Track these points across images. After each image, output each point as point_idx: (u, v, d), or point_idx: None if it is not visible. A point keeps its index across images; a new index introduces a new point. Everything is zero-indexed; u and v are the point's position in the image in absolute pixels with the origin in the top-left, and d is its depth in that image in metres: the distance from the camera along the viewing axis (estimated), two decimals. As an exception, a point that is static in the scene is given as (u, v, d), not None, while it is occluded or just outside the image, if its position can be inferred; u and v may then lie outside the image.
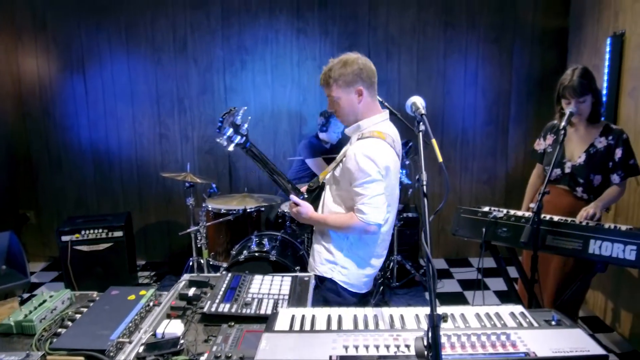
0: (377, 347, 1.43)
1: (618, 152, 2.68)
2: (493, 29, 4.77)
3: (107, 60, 4.79)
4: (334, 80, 2.12)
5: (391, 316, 1.66)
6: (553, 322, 1.61)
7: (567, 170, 2.80)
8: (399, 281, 4.37)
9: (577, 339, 1.47)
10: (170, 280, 4.57)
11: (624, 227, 2.45)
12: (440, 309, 1.54)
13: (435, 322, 1.24)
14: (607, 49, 3.37)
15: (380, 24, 4.75)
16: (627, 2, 3.31)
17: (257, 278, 2.15)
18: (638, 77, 2.97)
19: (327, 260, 2.29)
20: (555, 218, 2.61)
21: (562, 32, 4.70)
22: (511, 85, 4.87)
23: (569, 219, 2.58)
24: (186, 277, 2.17)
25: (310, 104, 4.90)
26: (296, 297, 1.99)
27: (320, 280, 2.31)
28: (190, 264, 4.06)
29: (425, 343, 1.23)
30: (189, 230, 3.93)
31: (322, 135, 4.35)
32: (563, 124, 2.59)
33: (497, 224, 2.67)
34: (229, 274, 2.18)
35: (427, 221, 1.40)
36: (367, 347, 1.43)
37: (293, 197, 2.31)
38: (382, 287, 4.12)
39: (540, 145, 3.01)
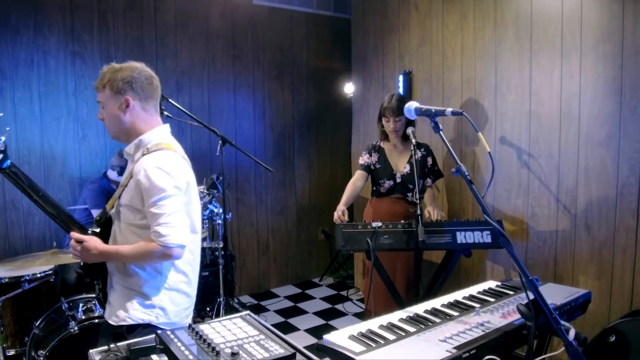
0: (462, 333, 1.38)
1: (429, 161, 3.35)
2: (275, 66, 5.05)
3: None
4: (103, 85, 1.93)
5: (428, 311, 1.60)
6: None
7: (398, 180, 3.31)
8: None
9: (559, 289, 1.77)
10: None
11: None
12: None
13: (535, 285, 1.32)
14: (400, 84, 4.03)
15: (169, 53, 4.46)
16: (412, 46, 4.05)
17: (206, 327, 1.71)
18: (428, 103, 3.65)
19: (141, 304, 1.94)
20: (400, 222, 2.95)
21: (339, 72, 5.33)
22: (294, 119, 5.22)
23: (435, 219, 2.96)
24: (97, 352, 1.56)
25: (92, 140, 4.16)
26: (270, 335, 1.68)
27: (131, 328, 1.94)
28: None
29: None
30: None
31: (113, 176, 3.74)
32: (414, 141, 2.98)
33: (378, 233, 2.82)
34: (167, 331, 1.67)
35: (481, 201, 1.45)
36: (456, 335, 1.36)
37: (74, 234, 1.90)
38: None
39: (364, 160, 3.42)
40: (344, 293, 5.03)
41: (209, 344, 1.55)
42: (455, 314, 1.56)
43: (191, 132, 4.59)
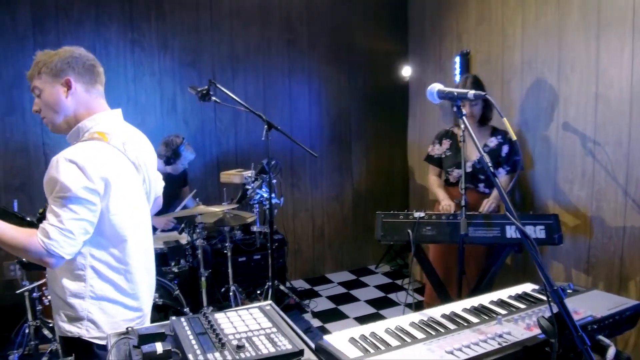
0: (474, 344, 1.25)
1: (505, 149, 3.05)
2: (331, 51, 4.96)
3: None
4: (39, 70, 1.71)
5: (446, 316, 1.47)
6: (570, 290, 1.67)
7: (468, 169, 3.03)
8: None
9: (604, 297, 1.58)
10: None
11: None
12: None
13: (560, 296, 1.17)
14: (457, 65, 3.80)
15: (224, 39, 4.50)
16: (470, 25, 3.80)
17: (220, 316, 1.70)
18: (486, 86, 3.38)
19: (67, 316, 1.72)
20: (470, 213, 2.75)
21: (397, 55, 5.13)
22: (351, 104, 5.12)
23: (481, 212, 2.77)
24: (115, 334, 1.57)
25: (150, 125, 4.31)
26: (283, 328, 1.63)
27: (67, 342, 1.75)
28: (27, 331, 3.08)
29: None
30: (27, 288, 2.98)
31: (159, 166, 3.83)
32: (462, 126, 2.78)
33: (420, 224, 2.69)
34: (181, 319, 1.68)
35: (505, 198, 1.30)
36: (467, 346, 1.24)
37: None
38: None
39: (435, 150, 3.21)
40: (399, 282, 4.91)
41: (217, 334, 1.53)
42: (475, 320, 1.42)
43: (247, 118, 4.61)
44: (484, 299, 1.59)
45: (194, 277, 3.51)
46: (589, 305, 1.48)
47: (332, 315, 4.16)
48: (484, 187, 3.06)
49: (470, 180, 3.07)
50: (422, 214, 2.72)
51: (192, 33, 4.38)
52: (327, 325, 3.96)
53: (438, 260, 3.08)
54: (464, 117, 1.48)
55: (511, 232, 2.62)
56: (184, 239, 3.52)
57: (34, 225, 1.80)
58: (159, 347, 1.43)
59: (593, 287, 1.72)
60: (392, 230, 2.73)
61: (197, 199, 3.88)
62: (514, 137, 1.42)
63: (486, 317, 1.44)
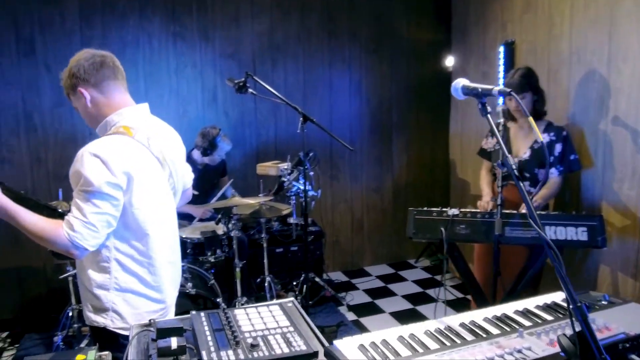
0: (491, 359, 1.19)
1: (558, 148, 2.85)
2: (373, 40, 4.86)
3: None
4: (66, 93, 1.84)
5: (465, 325, 1.41)
6: (605, 302, 1.57)
7: (514, 166, 2.86)
8: (311, 299, 4.09)
9: None
10: (33, 340, 3.59)
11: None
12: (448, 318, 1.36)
13: (583, 313, 1.08)
14: (501, 55, 3.64)
15: (264, 30, 4.50)
16: (516, 13, 3.62)
17: (240, 313, 1.70)
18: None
19: (94, 306, 1.79)
20: (509, 211, 2.63)
21: (440, 44, 4.98)
22: (392, 94, 5.01)
23: (521, 211, 2.64)
24: (137, 327, 1.61)
25: (192, 115, 4.39)
26: (301, 328, 1.62)
27: (94, 332, 1.84)
28: (70, 314, 3.23)
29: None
30: (70, 273, 3.12)
31: (197, 156, 3.88)
32: (501, 120, 2.66)
33: (454, 222, 2.60)
34: (201, 313, 1.69)
35: (530, 204, 1.22)
36: None
37: None
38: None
39: (487, 144, 3.10)
40: (438, 278, 4.81)
41: (233, 332, 1.53)
42: (495, 332, 1.34)
43: (286, 109, 4.60)
44: (509, 308, 1.51)
45: (230, 267, 3.56)
46: (624, 320, 1.38)
47: (368, 309, 4.13)
48: (530, 186, 2.90)
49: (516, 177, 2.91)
50: (456, 212, 2.63)
51: (233, 24, 4.40)
52: (362, 320, 3.94)
53: (479, 259, 2.98)
54: (487, 116, 1.39)
55: (550, 233, 2.48)
56: (220, 229, 3.58)
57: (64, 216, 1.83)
58: (173, 342, 1.45)
59: (632, 300, 1.60)
60: (425, 228, 2.66)
61: (234, 190, 3.93)
62: (540, 138, 1.33)
63: (507, 329, 1.36)
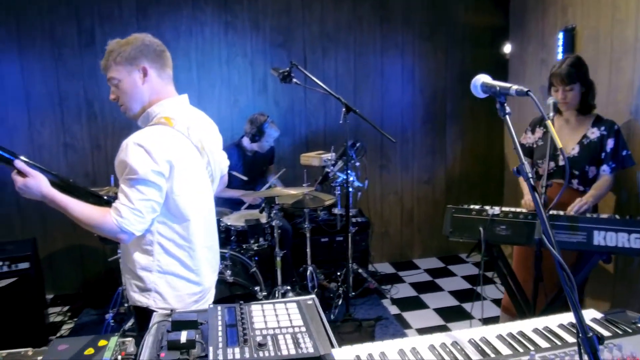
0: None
1: (610, 143, 2.63)
2: (427, 26, 4.69)
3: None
4: (113, 59, 1.79)
5: (474, 342, 1.33)
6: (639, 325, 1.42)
7: (561, 162, 2.68)
8: (354, 290, 4.07)
9: None
10: (89, 315, 3.85)
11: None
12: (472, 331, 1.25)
13: (593, 346, 0.99)
14: (560, 42, 3.39)
15: (315, 18, 4.46)
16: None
17: (256, 309, 1.71)
18: (592, 66, 2.99)
19: (138, 287, 1.87)
20: (554, 212, 2.47)
21: (497, 30, 4.74)
22: (446, 82, 4.83)
23: (569, 213, 2.46)
24: (158, 316, 1.67)
25: (242, 105, 4.45)
26: (314, 328, 1.60)
27: (138, 312, 1.90)
28: (121, 293, 3.42)
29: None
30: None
31: (246, 143, 3.93)
32: (551, 114, 2.49)
33: (494, 221, 2.47)
34: (218, 307, 1.72)
35: (544, 217, 1.12)
36: None
37: (18, 164, 1.65)
38: (341, 300, 3.81)
39: (527, 139, 2.91)
40: (489, 274, 4.63)
41: (244, 329, 1.55)
42: (505, 352, 1.25)
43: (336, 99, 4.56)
44: (529, 325, 1.41)
45: (273, 256, 3.61)
46: None
47: (412, 304, 4.06)
48: (578, 184, 2.70)
49: (563, 175, 2.67)
50: (497, 211, 2.49)
51: (283, 13, 4.40)
52: (405, 314, 3.87)
53: (518, 263, 2.82)
54: (506, 117, 1.29)
55: (599, 239, 2.29)
56: (264, 217, 3.63)
57: (110, 204, 1.92)
58: (183, 336, 1.48)
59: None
60: (463, 227, 2.54)
61: (278, 179, 3.97)
62: (560, 145, 1.21)
63: (519, 350, 1.27)
